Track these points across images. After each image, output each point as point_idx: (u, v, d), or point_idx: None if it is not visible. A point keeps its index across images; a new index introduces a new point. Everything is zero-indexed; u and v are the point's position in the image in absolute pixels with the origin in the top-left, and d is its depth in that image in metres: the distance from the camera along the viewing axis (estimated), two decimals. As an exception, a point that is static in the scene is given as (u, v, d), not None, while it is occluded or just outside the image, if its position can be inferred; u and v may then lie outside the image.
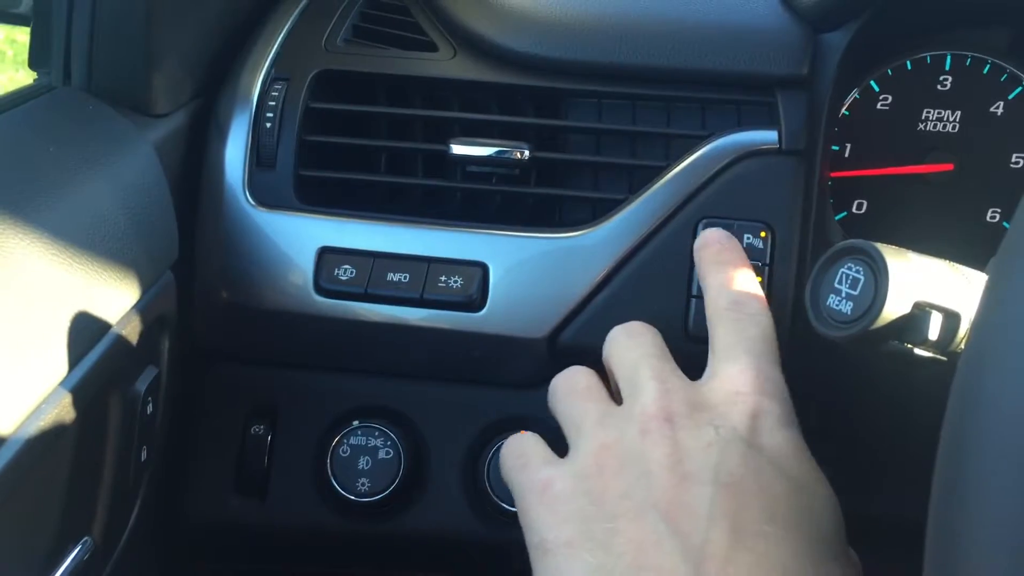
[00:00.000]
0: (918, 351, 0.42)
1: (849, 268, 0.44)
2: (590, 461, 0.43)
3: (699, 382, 0.46)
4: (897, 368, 0.43)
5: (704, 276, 0.51)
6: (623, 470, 0.42)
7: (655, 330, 0.50)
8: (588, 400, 0.47)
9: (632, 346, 0.48)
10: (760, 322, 0.47)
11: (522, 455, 0.47)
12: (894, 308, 0.42)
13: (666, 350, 0.48)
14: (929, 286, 0.42)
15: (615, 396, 0.48)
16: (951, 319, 0.41)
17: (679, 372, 0.47)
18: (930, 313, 0.41)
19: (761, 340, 0.46)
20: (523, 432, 0.49)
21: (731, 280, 0.49)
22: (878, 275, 0.42)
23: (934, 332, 0.41)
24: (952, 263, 0.44)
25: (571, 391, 0.48)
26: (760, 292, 0.49)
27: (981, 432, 0.28)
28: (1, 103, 0.49)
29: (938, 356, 0.41)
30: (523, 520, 0.44)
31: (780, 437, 0.43)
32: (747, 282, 0.49)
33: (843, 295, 0.44)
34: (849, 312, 0.43)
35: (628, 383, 0.47)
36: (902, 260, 0.42)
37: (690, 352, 0.55)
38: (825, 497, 0.42)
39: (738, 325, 0.47)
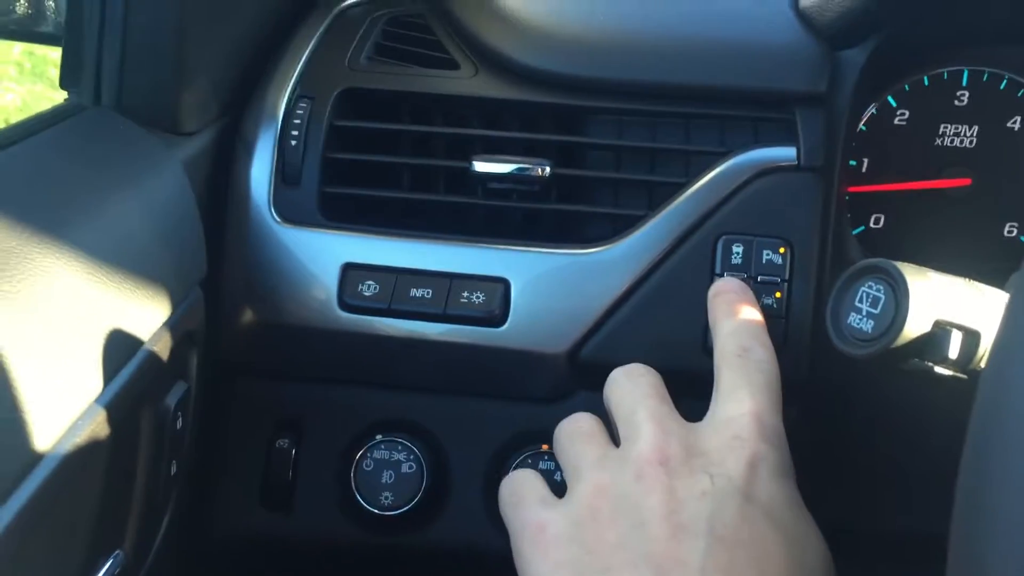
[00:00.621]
0: (939, 369, 0.42)
1: (870, 287, 0.45)
2: (584, 504, 0.44)
3: (698, 424, 0.47)
4: (918, 386, 0.43)
5: (715, 322, 0.51)
6: (617, 517, 0.42)
7: (655, 372, 0.50)
8: (587, 443, 0.47)
9: (631, 388, 0.49)
10: (765, 369, 0.47)
11: (517, 493, 0.47)
12: (915, 327, 0.42)
13: (665, 392, 0.49)
14: (949, 304, 0.42)
15: (616, 439, 0.48)
16: (971, 337, 0.41)
17: (677, 415, 0.47)
18: (950, 331, 0.41)
19: (765, 387, 0.46)
20: (522, 469, 0.49)
21: (741, 328, 0.50)
22: (899, 294, 0.42)
23: (954, 350, 0.41)
24: (971, 281, 0.45)
25: (573, 434, 0.49)
26: (769, 341, 0.49)
27: (1005, 449, 0.28)
28: (34, 124, 0.50)
29: (959, 374, 0.42)
30: (516, 561, 0.45)
31: (775, 487, 0.43)
32: (757, 330, 0.50)
33: (864, 314, 0.45)
34: (870, 331, 0.44)
35: (626, 424, 0.47)
36: (922, 279, 0.43)
37: (710, 369, 0.56)
38: (818, 551, 0.43)
39: (744, 370, 0.47)
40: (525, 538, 0.44)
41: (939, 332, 0.42)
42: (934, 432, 0.42)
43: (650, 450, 0.44)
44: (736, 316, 0.51)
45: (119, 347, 0.44)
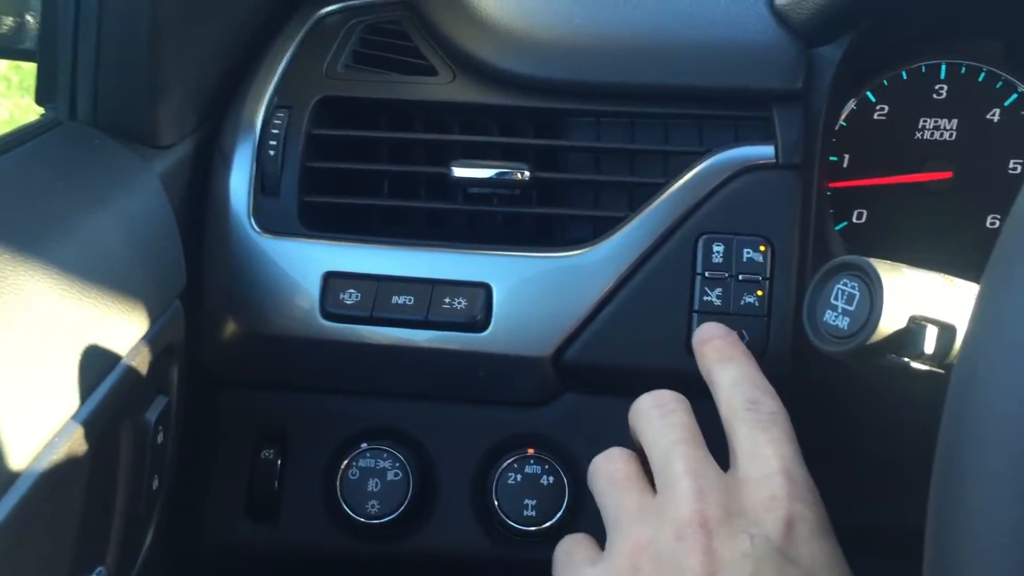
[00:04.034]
0: (915, 364, 0.42)
1: (845, 284, 0.45)
2: (626, 561, 0.45)
3: (733, 479, 0.46)
4: (895, 381, 0.43)
5: (710, 374, 0.51)
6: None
7: (686, 403, 0.50)
8: (626, 492, 0.48)
9: (664, 429, 0.48)
10: (779, 421, 0.47)
11: (568, 553, 0.50)
12: (890, 323, 0.42)
13: (697, 431, 0.49)
14: (924, 300, 0.42)
15: (648, 473, 0.48)
16: (946, 332, 0.41)
17: (711, 462, 0.47)
18: (925, 327, 0.41)
19: (786, 441, 0.46)
20: (577, 534, 0.51)
21: (742, 378, 0.49)
22: (873, 290, 0.42)
23: (930, 345, 0.41)
24: (947, 276, 0.45)
25: (610, 480, 0.49)
26: (772, 389, 0.49)
27: (975, 443, 0.28)
28: (10, 140, 0.49)
29: (935, 369, 0.42)
30: None
31: (816, 547, 0.43)
32: (757, 379, 0.50)
33: (839, 311, 0.45)
34: (846, 327, 0.44)
35: (662, 473, 0.47)
36: (896, 275, 0.43)
37: (693, 368, 0.56)
38: None
39: (760, 426, 0.47)
40: None
41: (914, 328, 0.42)
42: (914, 427, 0.41)
43: (689, 511, 0.44)
44: (731, 364, 0.51)
45: (96, 363, 0.44)
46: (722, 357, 0.51)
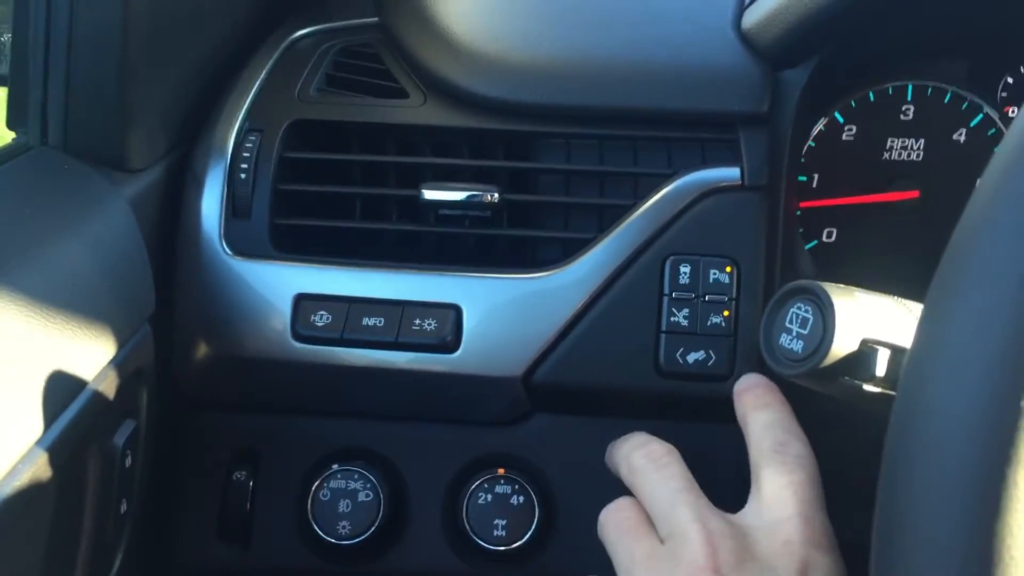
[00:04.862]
0: (867, 387, 0.43)
1: (799, 308, 0.45)
2: None
3: (742, 523, 0.47)
4: (851, 403, 0.44)
5: (745, 417, 0.52)
6: None
7: (677, 454, 0.51)
8: (636, 539, 0.48)
9: (664, 480, 0.49)
10: (805, 465, 0.47)
11: None
12: (842, 346, 0.43)
13: (692, 479, 0.49)
14: (876, 323, 0.43)
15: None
16: (898, 355, 0.42)
17: (714, 509, 0.47)
18: (877, 350, 0.42)
19: (808, 484, 0.47)
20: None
21: (774, 422, 0.50)
22: (825, 314, 0.43)
23: (881, 368, 0.42)
24: (898, 299, 0.45)
25: (620, 529, 0.49)
26: (803, 435, 0.49)
27: (915, 464, 0.29)
28: (-21, 166, 0.50)
29: (887, 391, 0.42)
30: None
31: None
32: (790, 424, 0.50)
33: (794, 334, 0.45)
34: (800, 351, 0.44)
35: (667, 521, 0.47)
36: (848, 299, 0.43)
37: (662, 388, 0.56)
38: None
39: (784, 468, 0.47)
40: None
41: (866, 351, 0.42)
42: (872, 447, 0.42)
43: (703, 557, 0.44)
44: (766, 410, 0.51)
45: (62, 388, 0.44)
46: (758, 404, 0.51)
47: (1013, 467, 0.26)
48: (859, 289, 0.45)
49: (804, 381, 0.45)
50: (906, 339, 0.43)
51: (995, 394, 0.27)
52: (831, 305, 0.43)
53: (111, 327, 0.49)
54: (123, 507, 0.51)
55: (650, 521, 0.49)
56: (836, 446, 0.50)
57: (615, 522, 0.50)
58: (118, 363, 0.49)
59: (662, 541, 0.47)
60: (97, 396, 0.47)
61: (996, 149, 0.31)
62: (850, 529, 0.53)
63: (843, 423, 0.47)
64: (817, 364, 0.43)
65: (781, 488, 0.46)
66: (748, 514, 0.47)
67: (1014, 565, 0.26)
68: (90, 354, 0.47)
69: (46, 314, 0.44)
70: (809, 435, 0.50)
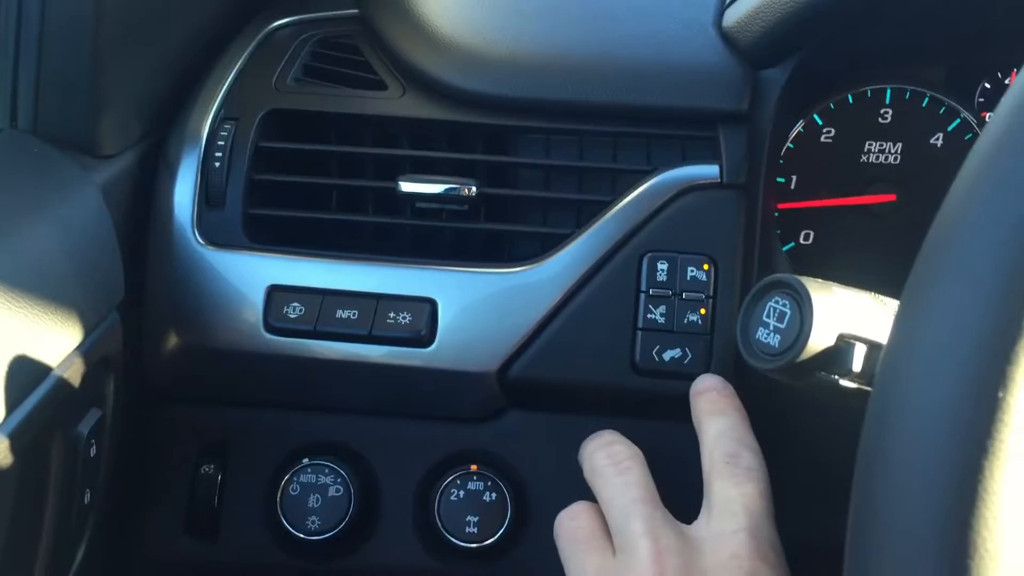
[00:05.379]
0: (844, 382, 0.42)
1: (776, 302, 0.45)
2: None
3: (693, 535, 0.47)
4: (827, 398, 0.43)
5: (700, 424, 0.52)
6: None
7: (641, 458, 0.51)
8: (587, 552, 0.48)
9: (621, 488, 0.49)
10: (756, 477, 0.48)
11: None
12: (819, 340, 0.42)
13: (654, 488, 0.49)
14: (853, 318, 0.43)
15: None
16: (874, 350, 0.42)
17: (670, 519, 0.47)
18: (853, 345, 0.42)
19: (758, 497, 0.47)
20: None
21: (727, 431, 0.50)
22: (803, 309, 0.43)
23: (858, 363, 0.42)
24: (876, 295, 0.45)
25: (572, 539, 0.49)
26: (756, 444, 0.50)
27: (891, 462, 0.28)
28: (-55, 147, 0.49)
29: (863, 386, 0.42)
30: None
31: None
32: (743, 434, 0.50)
33: (771, 328, 0.45)
34: (777, 345, 0.44)
35: (620, 533, 0.48)
36: (826, 293, 0.43)
37: (638, 386, 0.56)
38: None
39: (734, 480, 0.47)
40: None
41: (843, 345, 0.42)
42: (848, 443, 0.42)
43: (649, 573, 0.44)
44: (720, 416, 0.51)
45: (25, 374, 0.43)
46: (713, 409, 0.51)
47: (989, 460, 0.26)
48: (837, 284, 0.44)
49: (780, 375, 0.45)
50: (883, 335, 0.42)
51: (970, 388, 0.27)
52: (809, 299, 0.42)
53: (78, 313, 0.48)
54: (87, 498, 0.50)
55: (605, 529, 0.49)
56: (811, 442, 0.50)
57: (569, 531, 0.50)
58: (85, 350, 0.48)
59: (615, 551, 0.47)
60: (62, 383, 0.46)
61: (971, 150, 0.31)
62: (815, 529, 0.53)
63: (819, 418, 0.47)
64: (793, 359, 0.43)
65: (730, 501, 0.47)
66: (700, 525, 0.48)
67: (989, 557, 0.26)
68: (56, 340, 0.46)
69: (11, 297, 0.43)
70: (784, 430, 0.50)
